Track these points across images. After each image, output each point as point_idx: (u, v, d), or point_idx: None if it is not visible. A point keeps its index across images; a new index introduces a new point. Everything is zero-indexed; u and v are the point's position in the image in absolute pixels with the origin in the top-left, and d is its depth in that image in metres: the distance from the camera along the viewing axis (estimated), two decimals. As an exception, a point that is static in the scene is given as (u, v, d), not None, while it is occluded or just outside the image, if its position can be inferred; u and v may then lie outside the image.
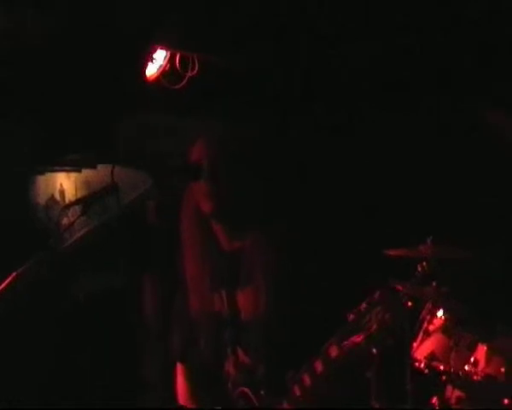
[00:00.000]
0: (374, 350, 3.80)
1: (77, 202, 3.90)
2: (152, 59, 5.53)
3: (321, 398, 3.92)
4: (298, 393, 3.88)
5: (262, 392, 4.03)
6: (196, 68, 5.62)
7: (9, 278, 3.47)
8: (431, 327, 5.08)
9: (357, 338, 3.71)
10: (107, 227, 5.41)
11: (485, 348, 4.81)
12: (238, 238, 4.23)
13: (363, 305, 3.73)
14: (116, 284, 5.75)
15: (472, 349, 4.87)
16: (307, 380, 3.83)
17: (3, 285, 3.46)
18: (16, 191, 5.44)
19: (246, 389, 4.10)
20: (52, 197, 5.66)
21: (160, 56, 5.56)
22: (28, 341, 5.56)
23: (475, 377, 4.77)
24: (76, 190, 5.62)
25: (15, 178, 5.44)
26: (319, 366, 3.80)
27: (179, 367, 4.48)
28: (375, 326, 3.65)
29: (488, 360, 4.79)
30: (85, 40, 5.29)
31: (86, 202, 3.86)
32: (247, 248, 4.20)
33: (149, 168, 5.05)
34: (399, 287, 4.95)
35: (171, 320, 4.46)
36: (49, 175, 5.64)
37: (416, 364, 4.98)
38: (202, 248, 4.27)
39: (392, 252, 5.11)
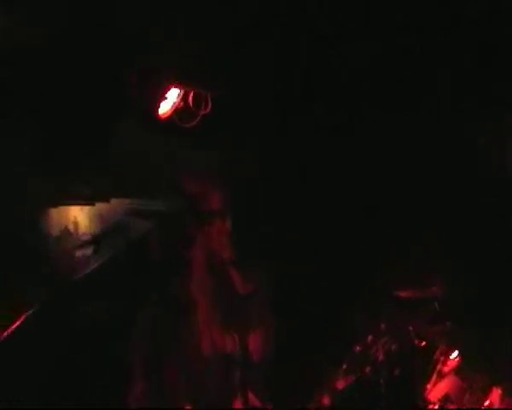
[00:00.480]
0: (381, 381, 3.89)
1: (90, 241, 4.00)
2: (165, 97, 5.51)
3: None
4: None
5: None
6: (210, 106, 5.61)
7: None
8: (445, 369, 5.20)
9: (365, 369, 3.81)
10: (116, 261, 5.47)
11: (500, 391, 4.95)
12: (251, 281, 4.32)
13: (370, 337, 3.81)
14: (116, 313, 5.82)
15: (486, 392, 5.01)
16: None
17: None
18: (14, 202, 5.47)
19: None
20: (65, 229, 5.66)
21: (173, 94, 5.53)
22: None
23: (490, 421, 4.91)
24: (90, 223, 5.63)
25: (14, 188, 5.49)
26: (327, 400, 3.88)
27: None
28: (381, 357, 3.71)
29: (502, 404, 4.93)
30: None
31: (97, 241, 3.95)
32: (259, 290, 4.29)
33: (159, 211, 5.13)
34: (411, 326, 5.11)
35: (176, 363, 4.52)
36: (62, 207, 5.65)
37: (431, 406, 5.11)
38: (215, 294, 4.35)
39: (404, 293, 5.23)
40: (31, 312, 3.92)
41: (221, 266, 4.04)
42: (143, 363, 4.57)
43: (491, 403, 4.94)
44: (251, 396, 4.07)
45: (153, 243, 5.47)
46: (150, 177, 5.69)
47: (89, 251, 4.87)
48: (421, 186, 5.80)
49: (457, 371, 5.12)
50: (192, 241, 4.23)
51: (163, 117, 5.55)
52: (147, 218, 5.16)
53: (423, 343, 5.22)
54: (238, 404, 4.17)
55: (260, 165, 5.35)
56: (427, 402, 5.08)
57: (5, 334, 3.59)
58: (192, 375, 4.25)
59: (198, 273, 4.16)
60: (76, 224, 5.53)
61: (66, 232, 5.55)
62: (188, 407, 4.27)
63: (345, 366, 3.78)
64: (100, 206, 5.41)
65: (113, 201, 5.41)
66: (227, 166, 5.36)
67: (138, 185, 5.64)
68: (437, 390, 5.09)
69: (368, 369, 3.68)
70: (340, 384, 3.73)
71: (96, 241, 3.75)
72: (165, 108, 5.56)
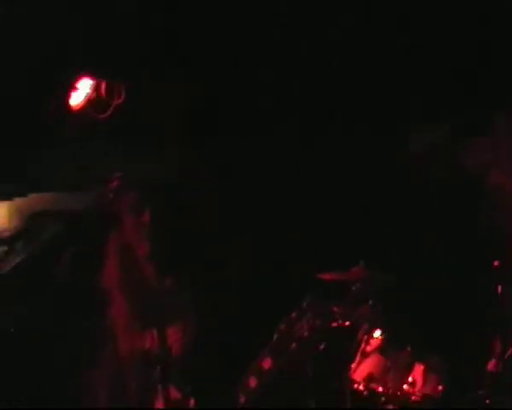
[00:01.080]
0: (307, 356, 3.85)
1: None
2: (75, 88, 5.45)
3: None
4: None
5: None
6: (123, 96, 5.55)
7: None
8: (368, 348, 5.21)
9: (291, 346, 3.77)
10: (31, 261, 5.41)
11: (422, 367, 4.98)
12: (169, 277, 4.28)
13: (293, 314, 3.79)
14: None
15: (409, 369, 5.03)
16: (242, 398, 3.86)
17: None
18: None
19: None
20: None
21: (85, 85, 5.47)
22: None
23: (413, 398, 4.92)
24: (9, 217, 5.59)
25: None
26: (253, 382, 3.84)
27: None
28: (306, 333, 3.70)
29: (425, 380, 4.96)
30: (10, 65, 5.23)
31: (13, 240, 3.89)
32: (177, 285, 4.25)
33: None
34: (335, 308, 5.11)
35: (98, 370, 4.44)
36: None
37: (355, 385, 5.12)
38: (131, 291, 4.30)
39: (326, 276, 5.22)
40: None
41: (136, 262, 3.96)
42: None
43: (414, 379, 4.95)
44: (172, 390, 3.99)
45: (63, 245, 5.41)
46: (70, 174, 5.62)
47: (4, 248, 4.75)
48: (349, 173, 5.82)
49: (381, 350, 5.11)
50: (105, 239, 4.14)
51: (76, 108, 5.46)
52: (61, 217, 5.07)
53: (347, 324, 5.22)
54: (159, 399, 4.02)
55: (179, 161, 5.32)
56: (351, 382, 5.06)
57: None
58: (111, 374, 4.14)
59: (112, 271, 4.09)
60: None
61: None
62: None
63: (270, 345, 3.73)
64: (18, 201, 5.32)
65: (32, 196, 5.34)
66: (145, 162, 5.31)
67: (56, 182, 5.57)
68: (361, 370, 5.09)
69: (293, 346, 3.64)
70: (267, 364, 3.68)
71: (12, 239, 3.63)
72: (77, 99, 5.47)
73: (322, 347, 4.59)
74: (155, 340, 4.19)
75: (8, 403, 5.12)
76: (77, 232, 5.07)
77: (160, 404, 4.19)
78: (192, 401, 4.10)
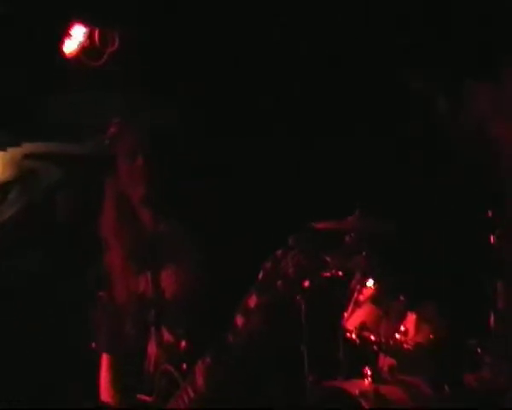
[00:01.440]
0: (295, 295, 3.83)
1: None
2: (69, 35, 5.42)
3: (246, 351, 3.95)
4: (218, 353, 3.92)
5: (184, 366, 4.07)
6: (116, 44, 5.52)
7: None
8: (361, 297, 5.25)
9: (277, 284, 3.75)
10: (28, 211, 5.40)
11: (415, 316, 4.98)
12: (163, 221, 4.29)
13: (279, 251, 3.78)
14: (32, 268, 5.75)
15: (401, 318, 5.04)
16: (230, 338, 3.87)
17: None
18: None
19: (168, 367, 4.12)
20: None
21: (78, 33, 5.44)
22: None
23: (405, 346, 4.94)
24: (3, 168, 5.58)
25: None
26: (240, 320, 3.85)
27: (104, 359, 4.48)
28: (291, 270, 3.68)
29: (417, 329, 4.97)
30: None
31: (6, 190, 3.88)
32: (171, 229, 4.26)
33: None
34: (328, 258, 5.11)
35: (97, 312, 4.48)
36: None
37: (348, 334, 5.14)
38: (127, 234, 4.31)
39: (320, 225, 5.21)
40: None
41: (131, 205, 3.97)
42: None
43: (406, 328, 4.96)
44: (165, 333, 4.09)
45: (59, 200, 5.40)
46: (67, 121, 5.62)
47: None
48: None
49: (373, 299, 5.12)
50: (101, 184, 4.17)
51: (69, 55, 5.45)
52: (59, 163, 5.06)
53: (340, 273, 5.23)
54: (152, 343, 4.12)
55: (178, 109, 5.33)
56: (344, 331, 5.08)
57: None
58: (109, 321, 4.17)
59: (108, 217, 4.11)
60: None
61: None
62: None
63: (255, 283, 3.73)
64: (12, 151, 5.31)
65: (25, 145, 5.32)
66: (141, 107, 5.30)
67: (53, 129, 5.58)
68: (354, 319, 5.11)
69: (279, 283, 3.62)
70: (252, 301, 3.68)
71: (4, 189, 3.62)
72: (70, 46, 5.44)
73: (306, 284, 4.61)
74: (149, 284, 4.19)
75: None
76: (74, 178, 5.08)
77: (152, 347, 4.22)
78: (183, 344, 4.10)
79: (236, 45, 5.74)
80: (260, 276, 3.77)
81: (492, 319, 4.80)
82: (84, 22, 5.50)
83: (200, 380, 3.94)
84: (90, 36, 5.54)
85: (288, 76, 5.83)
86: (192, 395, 3.97)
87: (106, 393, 4.38)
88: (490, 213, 4.90)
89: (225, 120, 5.89)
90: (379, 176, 5.79)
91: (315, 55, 5.83)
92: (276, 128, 5.93)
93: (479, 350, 4.75)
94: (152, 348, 4.24)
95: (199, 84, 5.84)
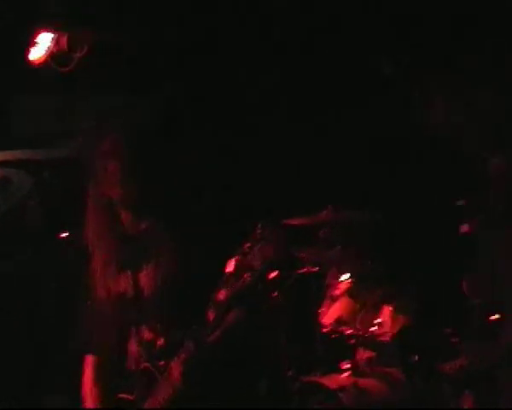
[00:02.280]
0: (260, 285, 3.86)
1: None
2: (34, 43, 5.42)
3: (220, 345, 3.95)
4: (193, 348, 3.94)
5: (162, 362, 4.07)
6: (85, 49, 5.51)
7: None
8: (337, 291, 5.23)
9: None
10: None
11: (390, 308, 4.98)
12: (143, 222, 4.30)
13: (247, 244, 3.79)
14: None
15: (378, 311, 5.03)
16: (204, 332, 3.89)
17: None
18: None
19: (147, 365, 4.14)
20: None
21: (46, 39, 5.43)
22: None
23: (383, 338, 4.93)
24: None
25: None
26: (211, 315, 3.87)
27: (88, 359, 4.47)
28: (257, 262, 3.69)
29: (393, 321, 4.97)
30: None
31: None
32: (150, 230, 4.28)
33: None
34: (302, 253, 5.11)
35: (80, 312, 4.48)
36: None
37: (325, 329, 5.13)
38: (109, 234, 4.33)
39: (294, 221, 5.21)
40: None
41: (111, 206, 3.99)
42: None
43: (383, 320, 4.96)
44: (145, 331, 4.16)
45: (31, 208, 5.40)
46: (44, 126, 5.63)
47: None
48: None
49: (349, 292, 5.12)
50: (80, 188, 4.19)
51: (37, 62, 5.44)
52: (32, 170, 5.06)
53: (316, 269, 5.23)
54: (133, 341, 4.19)
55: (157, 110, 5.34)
56: (321, 326, 5.08)
57: None
58: (92, 321, 4.22)
59: (91, 219, 4.13)
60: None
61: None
62: None
63: (224, 276, 3.73)
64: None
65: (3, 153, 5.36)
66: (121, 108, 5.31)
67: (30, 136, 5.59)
68: (330, 313, 5.10)
69: (246, 275, 3.63)
70: (221, 295, 3.68)
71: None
72: (37, 53, 5.44)
73: (273, 275, 4.60)
74: (130, 283, 4.23)
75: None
76: (52, 183, 5.06)
77: (133, 345, 4.25)
78: (162, 341, 4.11)
79: (207, 38, 5.74)
80: (228, 269, 3.79)
81: (468, 307, 4.79)
82: (52, 28, 5.49)
83: (176, 376, 3.96)
84: (57, 42, 5.53)
85: (258, 68, 5.83)
86: (169, 391, 3.98)
87: (89, 393, 4.37)
88: (463, 202, 4.89)
89: (197, 117, 5.89)
90: (351, 168, 5.79)
91: (289, 45, 5.83)
92: (249, 123, 5.93)
93: (454, 339, 4.74)
94: (132, 347, 4.25)
95: (172, 83, 5.84)
